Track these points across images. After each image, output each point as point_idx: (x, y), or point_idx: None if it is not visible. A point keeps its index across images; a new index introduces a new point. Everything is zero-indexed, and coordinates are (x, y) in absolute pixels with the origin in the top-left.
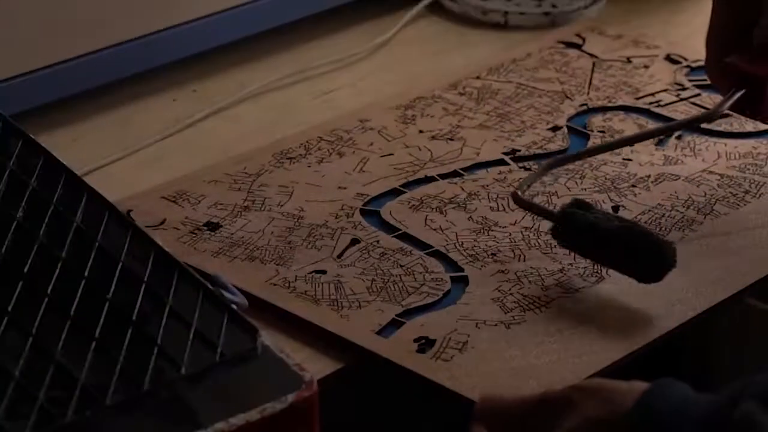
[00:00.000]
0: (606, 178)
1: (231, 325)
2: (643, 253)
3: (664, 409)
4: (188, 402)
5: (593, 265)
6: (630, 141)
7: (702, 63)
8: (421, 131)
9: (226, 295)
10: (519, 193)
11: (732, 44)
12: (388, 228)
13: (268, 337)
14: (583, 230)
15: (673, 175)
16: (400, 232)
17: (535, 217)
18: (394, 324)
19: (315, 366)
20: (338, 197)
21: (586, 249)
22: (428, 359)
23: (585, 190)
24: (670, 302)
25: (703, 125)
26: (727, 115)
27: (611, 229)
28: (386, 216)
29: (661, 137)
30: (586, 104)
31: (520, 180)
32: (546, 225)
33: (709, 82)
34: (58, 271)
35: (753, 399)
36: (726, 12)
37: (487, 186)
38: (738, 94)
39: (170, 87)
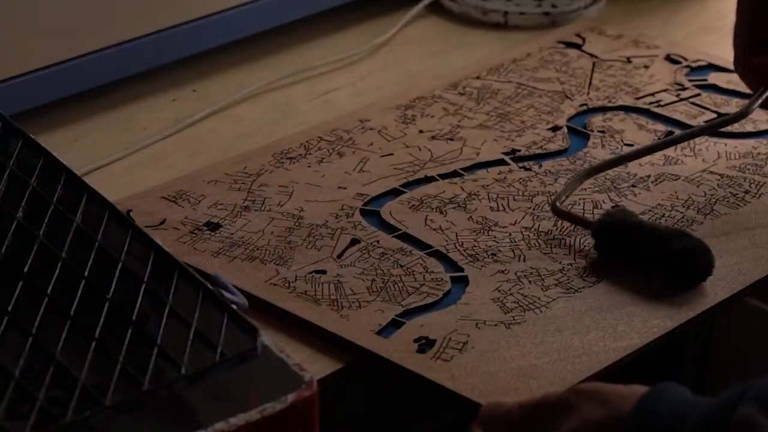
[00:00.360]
0: (606, 178)
1: (231, 325)
2: (682, 260)
3: (662, 413)
4: (188, 402)
5: (593, 266)
6: (667, 144)
7: (702, 63)
8: (421, 131)
9: (226, 295)
10: (558, 204)
11: (759, 42)
12: (388, 228)
13: (268, 337)
14: (622, 240)
15: (673, 175)
16: (400, 232)
17: (536, 217)
18: (394, 324)
19: (315, 366)
20: (338, 197)
21: (626, 258)
22: (428, 359)
23: (585, 190)
24: (669, 302)
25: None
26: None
27: (651, 238)
28: (386, 216)
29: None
30: (586, 104)
31: (558, 191)
32: (545, 225)
33: (708, 81)
34: (58, 271)
35: (752, 402)
36: (752, 10)
37: (487, 186)
38: (766, 94)
39: (170, 87)
